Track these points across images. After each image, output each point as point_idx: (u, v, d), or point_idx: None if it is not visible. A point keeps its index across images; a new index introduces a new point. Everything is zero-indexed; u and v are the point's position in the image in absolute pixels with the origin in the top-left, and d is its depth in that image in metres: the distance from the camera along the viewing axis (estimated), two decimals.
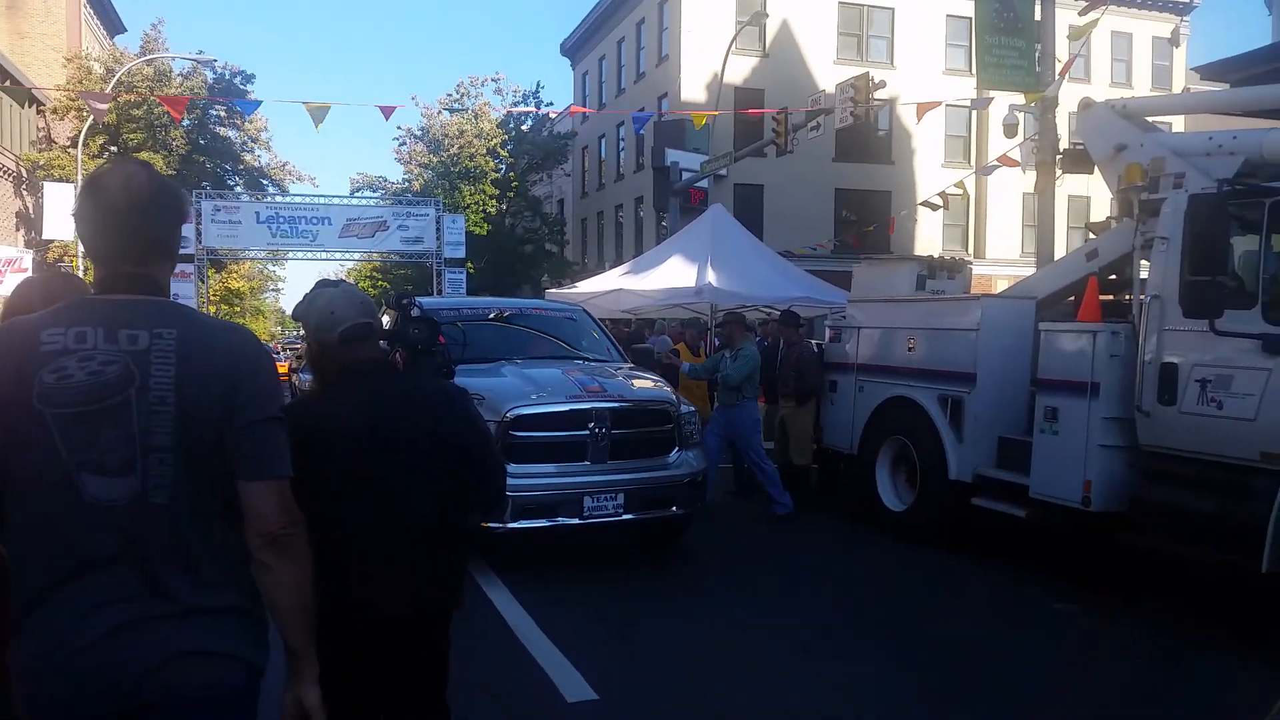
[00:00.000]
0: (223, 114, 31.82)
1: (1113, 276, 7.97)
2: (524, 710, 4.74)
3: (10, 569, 1.87)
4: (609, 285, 14.45)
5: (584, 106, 38.27)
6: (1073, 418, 6.89)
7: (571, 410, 6.90)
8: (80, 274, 23.24)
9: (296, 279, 76.18)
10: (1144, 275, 6.87)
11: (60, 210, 25.15)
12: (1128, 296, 7.59)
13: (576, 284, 17.70)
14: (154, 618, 1.83)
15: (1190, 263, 5.94)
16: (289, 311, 59.15)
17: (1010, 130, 13.33)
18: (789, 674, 5.28)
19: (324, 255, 28.21)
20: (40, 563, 1.83)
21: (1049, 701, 4.95)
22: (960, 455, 8.02)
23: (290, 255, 28.69)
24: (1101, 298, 7.47)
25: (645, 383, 7.84)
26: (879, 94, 16.40)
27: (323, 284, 2.82)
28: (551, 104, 37.00)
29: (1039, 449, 7.19)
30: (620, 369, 8.10)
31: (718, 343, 11.73)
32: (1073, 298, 8.38)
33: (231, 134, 33.63)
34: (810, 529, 8.92)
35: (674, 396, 7.63)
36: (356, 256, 30.72)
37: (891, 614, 6.47)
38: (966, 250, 31.95)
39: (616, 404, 7.10)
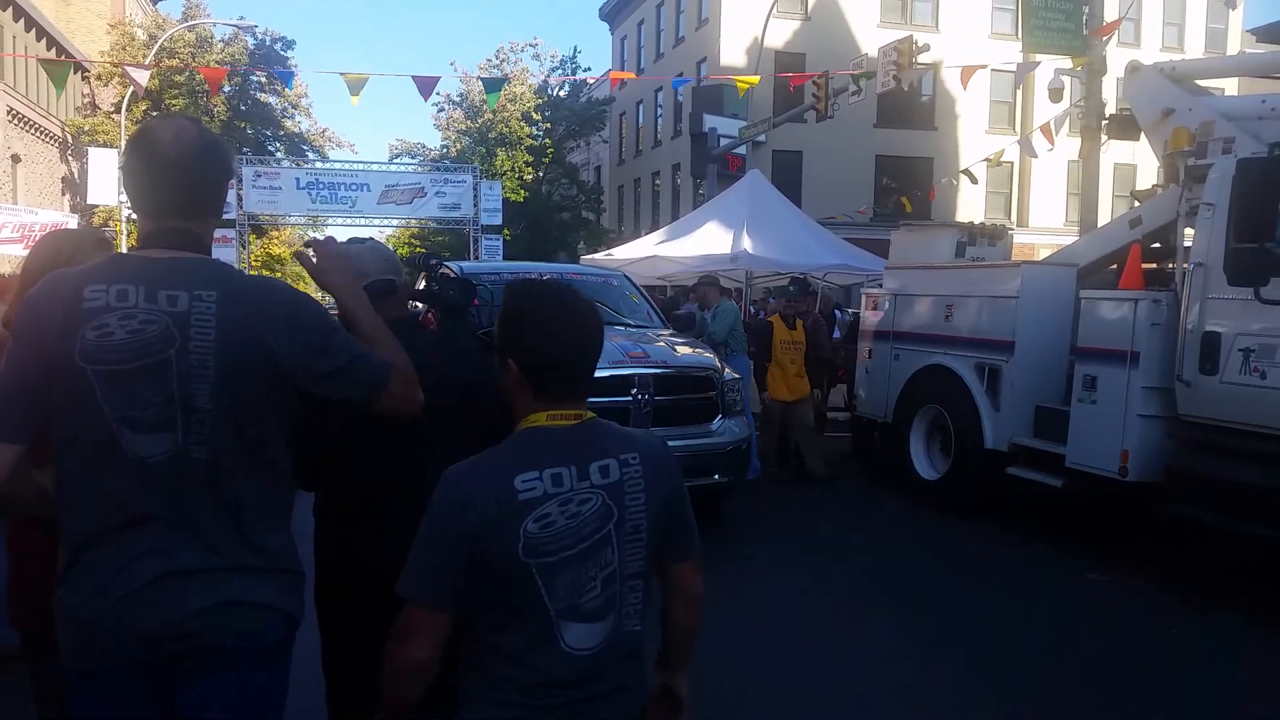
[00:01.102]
0: (264, 80, 32.02)
1: (1156, 244, 7.81)
2: None
3: (58, 519, 1.91)
4: (644, 252, 14.41)
5: (622, 71, 38.02)
6: (1112, 387, 6.79)
7: (614, 375, 6.83)
8: (124, 239, 23.64)
9: None
10: (1188, 243, 6.73)
11: (104, 175, 25.49)
12: (1171, 264, 7.43)
13: (612, 250, 17.66)
14: (195, 569, 1.86)
15: (1237, 229, 5.81)
16: None
17: (1056, 95, 13.01)
18: (817, 644, 5.30)
19: (363, 221, 28.30)
20: (86, 514, 1.86)
21: (1078, 671, 4.91)
22: (996, 424, 7.94)
23: (330, 221, 28.88)
24: (1144, 266, 7.33)
25: (687, 349, 7.79)
26: (922, 58, 16.08)
27: (351, 241, 2.83)
28: (590, 69, 36.88)
29: (1077, 418, 7.10)
30: (661, 335, 8.04)
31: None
32: (1115, 265, 8.23)
33: (272, 100, 33.84)
34: (843, 497, 8.89)
35: (717, 363, 7.57)
36: (395, 223, 30.81)
37: (922, 583, 6.46)
38: (1009, 218, 31.43)
39: (659, 370, 7.05)
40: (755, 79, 17.43)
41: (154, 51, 27.51)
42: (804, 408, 9.53)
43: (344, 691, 2.66)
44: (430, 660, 1.77)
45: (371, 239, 2.91)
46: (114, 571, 1.84)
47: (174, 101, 29.62)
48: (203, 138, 1.97)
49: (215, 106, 29.87)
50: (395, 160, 36.69)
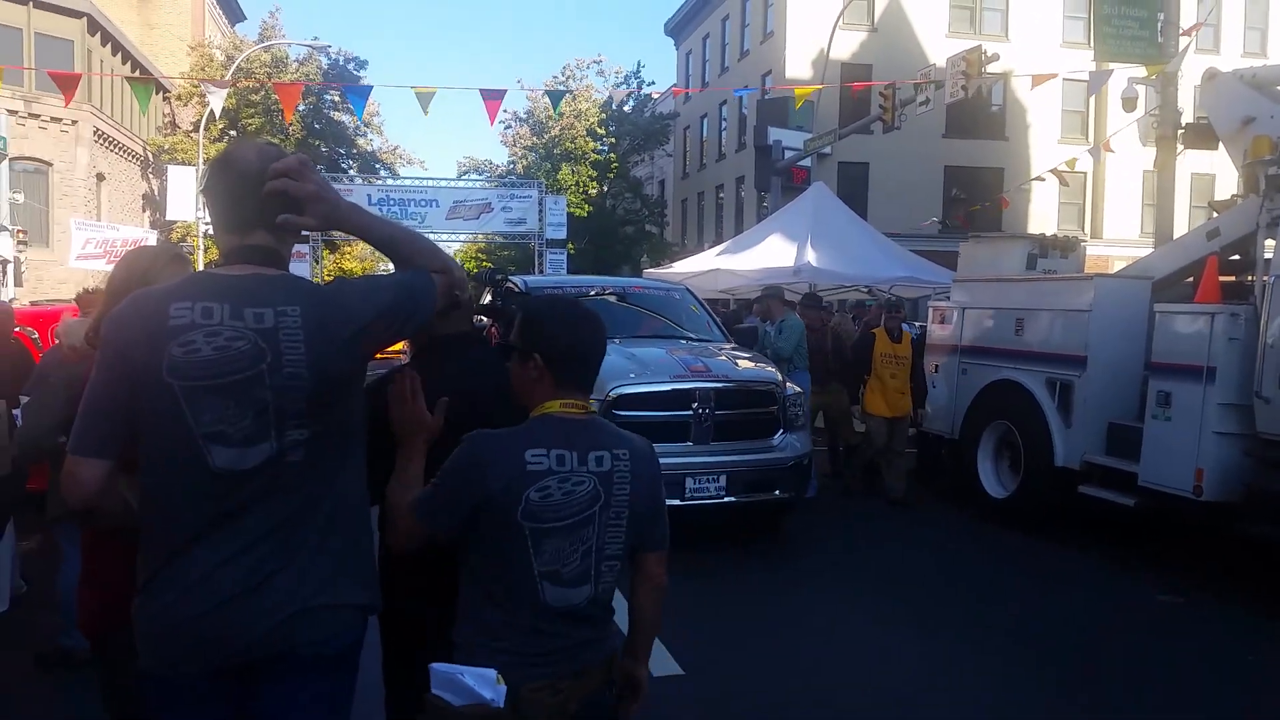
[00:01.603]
0: (337, 99, 32.80)
1: (1235, 256, 7.58)
2: None
3: (142, 530, 1.96)
4: (706, 265, 14.40)
5: (687, 86, 38.13)
6: (1187, 403, 6.61)
7: (675, 390, 6.86)
8: (201, 254, 24.35)
9: None
10: (1268, 255, 6.52)
11: (183, 192, 26.35)
12: (1250, 277, 7.20)
13: (674, 264, 17.68)
14: (275, 571, 1.91)
15: None
16: None
17: (1129, 104, 12.74)
18: (877, 657, 5.23)
19: (431, 236, 28.56)
20: (170, 525, 1.91)
21: (1144, 692, 4.78)
22: (1067, 441, 7.76)
23: None
24: (1222, 279, 7.12)
25: (749, 363, 7.75)
26: (992, 67, 15.86)
27: None
28: (654, 83, 37.05)
29: (1150, 435, 6.92)
30: (723, 349, 8.02)
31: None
32: (1191, 278, 8.00)
33: (345, 119, 34.64)
34: (907, 515, 8.75)
35: (779, 377, 7.53)
36: (462, 237, 31.32)
37: (987, 601, 6.33)
38: (1083, 229, 30.72)
39: (721, 384, 7.02)
40: (812, 88, 17.35)
41: (231, 71, 28.37)
42: (903, 426, 9.27)
43: (403, 696, 2.69)
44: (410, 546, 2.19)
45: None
46: (196, 580, 1.89)
47: (250, 121, 30.48)
48: (284, 155, 2.04)
49: (290, 125, 30.66)
50: (463, 177, 37.30)
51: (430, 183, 29.84)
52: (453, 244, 30.88)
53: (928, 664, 5.15)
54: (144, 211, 30.33)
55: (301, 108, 30.59)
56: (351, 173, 33.35)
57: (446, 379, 2.67)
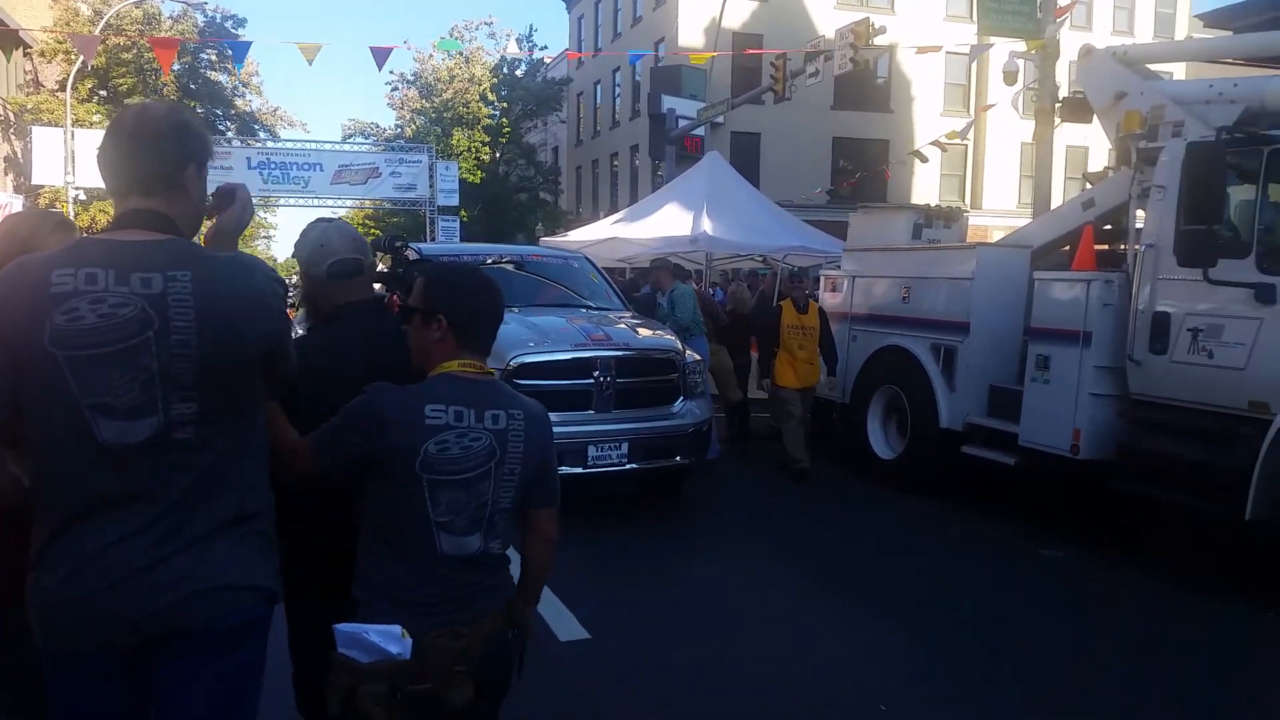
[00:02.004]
0: (214, 58, 31.36)
1: (1108, 226, 7.94)
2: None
3: (36, 505, 1.90)
4: (603, 234, 14.37)
5: (579, 50, 37.79)
6: (1064, 366, 6.92)
7: (576, 358, 6.86)
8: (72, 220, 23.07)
9: (288, 226, 75.75)
10: (1140, 225, 6.85)
11: (49, 155, 24.84)
12: (1123, 246, 7.56)
13: (570, 232, 17.60)
14: (171, 554, 1.86)
15: (1186, 211, 5.92)
16: (280, 260, 58.80)
17: (1010, 77, 13.19)
18: (781, 619, 5.36)
19: (315, 202, 27.94)
20: (59, 499, 1.86)
21: (1030, 643, 5.03)
22: (951, 404, 8.06)
23: (281, 202, 28.48)
24: (1097, 247, 7.46)
25: (649, 331, 7.80)
26: (879, 40, 16.19)
27: (316, 221, 2.81)
28: (546, 48, 36.59)
29: (1030, 397, 7.23)
30: (623, 317, 8.04)
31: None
32: (1068, 247, 8.36)
33: (223, 78, 33.18)
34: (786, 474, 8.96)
35: (679, 345, 7.60)
36: (349, 203, 30.47)
37: (880, 560, 6.56)
38: (963, 200, 31.78)
39: (622, 352, 7.05)
40: (708, 55, 17.42)
41: (100, 27, 26.81)
42: (811, 397, 9.14)
43: (311, 674, 2.65)
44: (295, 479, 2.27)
45: (338, 218, 2.90)
46: (88, 556, 1.84)
47: (121, 80, 28.88)
48: (171, 115, 1.99)
49: (165, 85, 29.21)
50: (348, 140, 36.23)
51: (314, 146, 28.82)
52: (338, 209, 30.01)
53: (827, 623, 5.32)
54: (6, 175, 28.52)
55: (176, 67, 29.13)
56: (229, 134, 32.00)
57: (350, 346, 2.63)
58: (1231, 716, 4.26)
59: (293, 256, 2.96)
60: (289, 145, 29.16)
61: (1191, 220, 5.83)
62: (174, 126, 1.98)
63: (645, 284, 13.00)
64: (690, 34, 29.25)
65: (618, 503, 7.62)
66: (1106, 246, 7.85)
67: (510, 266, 8.50)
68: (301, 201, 28.01)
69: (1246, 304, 5.73)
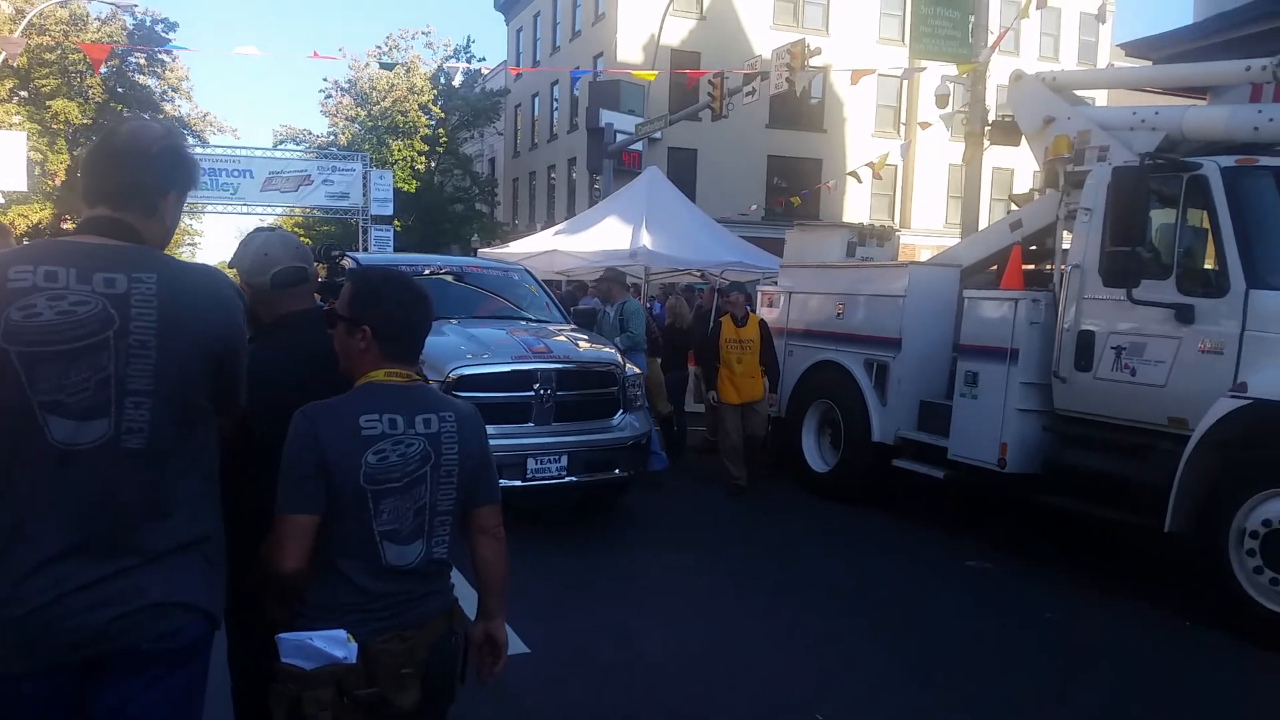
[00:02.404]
0: (142, 62, 30.62)
1: (1034, 247, 8.18)
2: None
3: None
4: (543, 246, 14.35)
5: (518, 62, 37.75)
6: (992, 382, 7.10)
7: (516, 371, 6.84)
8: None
9: (214, 234, 74.05)
10: (1066, 245, 7.07)
11: None
12: (1049, 266, 7.81)
13: (509, 244, 17.54)
14: (113, 573, 1.81)
15: (1111, 233, 6.13)
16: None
17: (942, 101, 13.52)
18: (718, 630, 5.39)
19: (244, 209, 27.43)
20: (5, 506, 1.78)
21: (956, 651, 5.14)
22: (883, 418, 8.20)
23: (209, 208, 27.87)
24: (1024, 267, 7.68)
25: (589, 344, 7.80)
26: (814, 61, 16.46)
27: (257, 231, 2.80)
28: (484, 59, 36.49)
29: (958, 412, 7.40)
30: (563, 330, 8.04)
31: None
32: (995, 266, 8.58)
33: (151, 82, 32.42)
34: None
35: (619, 358, 7.62)
36: (279, 211, 29.93)
37: (813, 570, 6.63)
38: (893, 219, 32.40)
39: (562, 365, 7.05)
40: (653, 74, 17.56)
41: (22, 27, 26.02)
42: (753, 413, 8.84)
43: (252, 688, 2.60)
44: (301, 572, 2.12)
45: (280, 228, 2.89)
46: (28, 572, 1.77)
47: (44, 82, 28.04)
48: (164, 139, 1.99)
49: (90, 88, 28.44)
50: (280, 146, 35.58)
51: (244, 152, 28.27)
52: (268, 217, 29.48)
53: (763, 633, 5.36)
54: None
55: (104, 70, 28.40)
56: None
57: (294, 356, 2.60)
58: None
59: (231, 266, 2.92)
60: (218, 151, 28.55)
61: (1116, 242, 6.04)
62: (167, 150, 1.98)
63: (585, 297, 13.01)
64: (629, 50, 29.40)
65: (556, 516, 7.60)
66: (1033, 266, 8.09)
67: (450, 277, 8.45)
68: (230, 209, 27.47)
69: (1167, 324, 5.95)
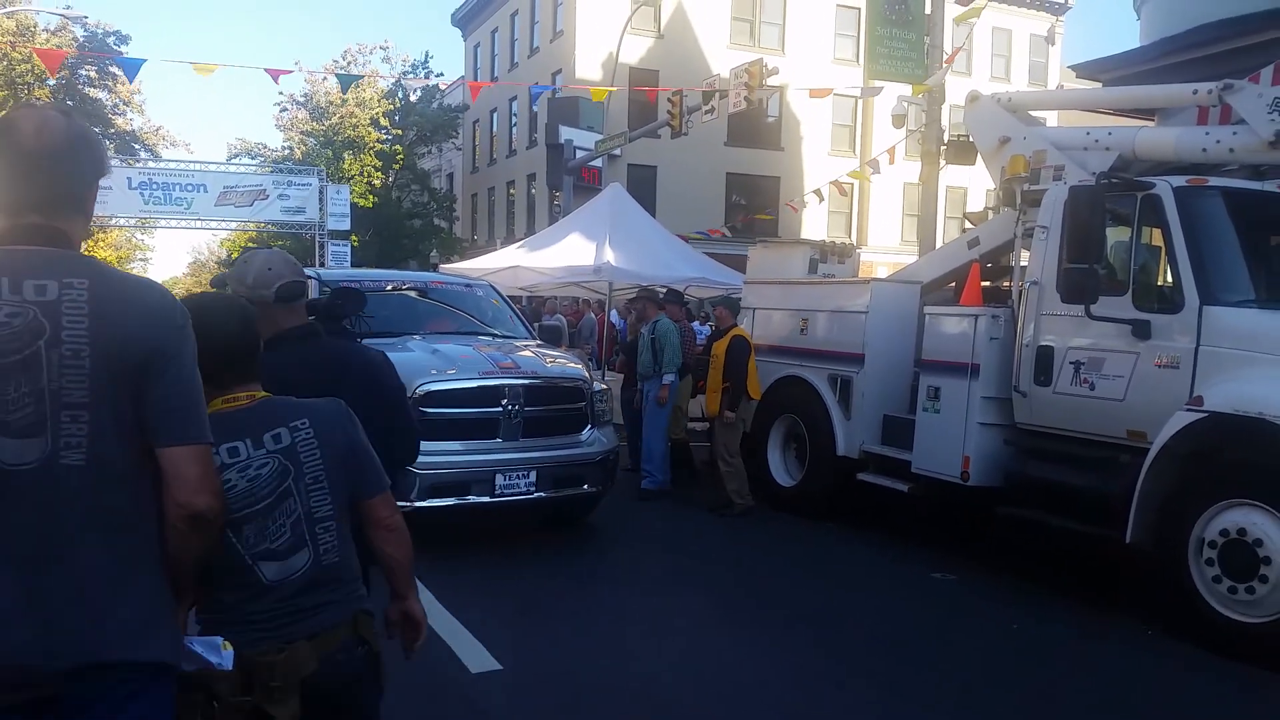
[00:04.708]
0: (93, 74, 30.15)
1: (989, 264, 8.34)
2: (426, 681, 4.70)
3: None
4: (506, 262, 14.33)
5: (475, 78, 37.70)
6: (954, 397, 7.21)
7: (484, 386, 6.82)
8: None
9: (166, 249, 72.88)
10: (1024, 263, 7.22)
11: None
12: (1007, 283, 7.96)
13: (472, 260, 17.49)
14: (60, 608, 1.70)
15: (1068, 251, 6.27)
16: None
17: (899, 121, 13.75)
18: (687, 645, 5.42)
19: (199, 224, 27.08)
20: None
21: (920, 662, 5.22)
22: (848, 432, 8.29)
23: (163, 223, 27.46)
24: (983, 284, 7.83)
25: (557, 360, 7.80)
26: (771, 80, 16.66)
27: (254, 249, 2.86)
28: (442, 74, 36.45)
29: (921, 426, 7.50)
30: (529, 345, 8.03)
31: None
32: (954, 283, 8.74)
33: (102, 95, 31.94)
34: (704, 505, 9.06)
35: (586, 373, 7.62)
36: (233, 226, 29.56)
37: (779, 585, 6.70)
38: (850, 237, 32.80)
39: (530, 380, 7.03)
40: (612, 89, 17.64)
41: None
42: (716, 429, 9.00)
43: None
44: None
45: (273, 247, 2.96)
46: None
47: None
48: (71, 129, 1.84)
49: (39, 100, 27.91)
50: (234, 160, 35.22)
51: (198, 166, 27.91)
52: (221, 232, 29.12)
53: (731, 647, 5.39)
54: None
55: (52, 83, 27.92)
56: (109, 154, 30.72)
57: (290, 370, 2.62)
58: None
59: (224, 282, 2.91)
60: (171, 165, 28.17)
61: (1073, 259, 6.17)
62: (79, 139, 1.85)
63: (546, 314, 12.99)
64: (587, 67, 29.52)
65: (523, 532, 7.58)
66: (990, 283, 8.25)
67: (414, 293, 8.42)
68: (184, 223, 27.09)
69: (1124, 339, 6.10)
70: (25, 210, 1.79)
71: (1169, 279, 6.16)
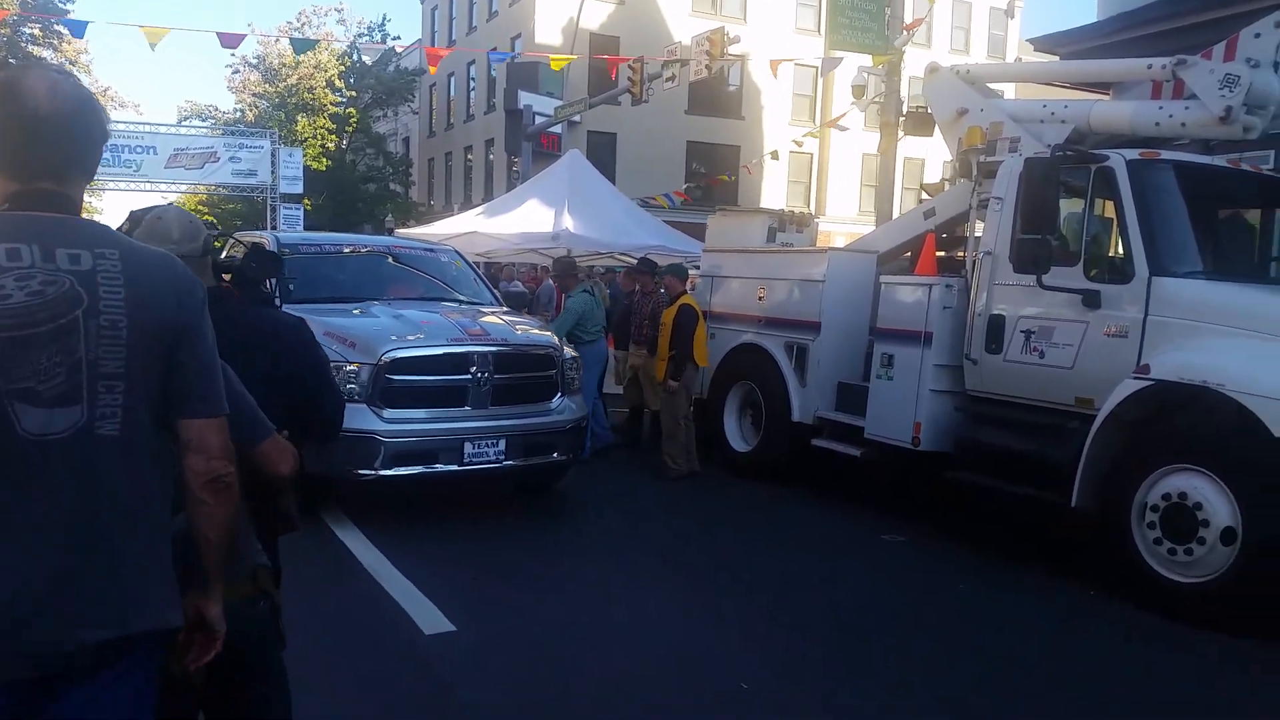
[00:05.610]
0: (37, 33, 29.22)
1: (944, 235, 8.43)
2: (378, 643, 4.72)
3: None
4: (464, 227, 14.20)
5: (432, 41, 37.13)
6: (907, 364, 7.30)
7: (452, 353, 6.70)
8: None
9: (115, 211, 70.83)
10: (979, 233, 7.30)
11: None
12: (961, 253, 8.05)
13: (429, 225, 17.32)
14: (88, 577, 1.71)
15: (1022, 222, 6.35)
16: None
17: (858, 91, 13.77)
18: (641, 608, 5.46)
19: (148, 186, 26.45)
20: None
21: (869, 623, 5.33)
22: (803, 399, 8.37)
23: (111, 186, 26.83)
24: (937, 254, 7.91)
25: (526, 326, 7.71)
26: (732, 49, 16.61)
27: (152, 207, 2.79)
28: (399, 38, 35.87)
29: (875, 393, 7.60)
30: (496, 311, 7.93)
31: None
32: (910, 253, 8.82)
33: (47, 55, 30.93)
34: (660, 470, 9.10)
35: (556, 340, 7.55)
36: (184, 189, 28.96)
37: (733, 548, 6.76)
38: (809, 207, 32.92)
39: (499, 347, 6.93)
40: (572, 57, 17.50)
41: None
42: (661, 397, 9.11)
43: None
44: None
45: (171, 204, 2.92)
46: None
47: None
48: (80, 92, 1.82)
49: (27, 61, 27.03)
50: (184, 122, 34.45)
51: (147, 128, 27.27)
52: (171, 195, 28.49)
53: (685, 609, 5.45)
54: None
55: None
56: None
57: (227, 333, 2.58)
58: (1061, 686, 4.60)
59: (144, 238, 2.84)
60: (120, 127, 27.39)
61: (1027, 230, 6.26)
62: (88, 103, 1.83)
63: (504, 280, 12.91)
64: (547, 31, 29.22)
65: (480, 495, 7.56)
66: (945, 253, 8.34)
67: (378, 257, 8.29)
68: (134, 186, 26.48)
69: (1074, 308, 6.20)
70: (37, 175, 1.76)
71: (1120, 250, 6.25)
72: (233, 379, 2.20)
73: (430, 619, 4.99)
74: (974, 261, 7.12)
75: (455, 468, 6.63)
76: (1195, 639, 5.14)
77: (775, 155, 16.73)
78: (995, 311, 6.78)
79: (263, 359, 2.66)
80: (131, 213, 2.81)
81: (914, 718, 4.18)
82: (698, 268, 10.29)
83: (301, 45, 20.15)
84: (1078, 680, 4.62)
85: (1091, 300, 6.11)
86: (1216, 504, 5.26)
